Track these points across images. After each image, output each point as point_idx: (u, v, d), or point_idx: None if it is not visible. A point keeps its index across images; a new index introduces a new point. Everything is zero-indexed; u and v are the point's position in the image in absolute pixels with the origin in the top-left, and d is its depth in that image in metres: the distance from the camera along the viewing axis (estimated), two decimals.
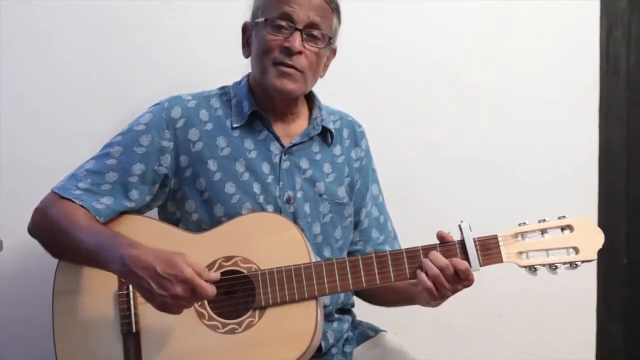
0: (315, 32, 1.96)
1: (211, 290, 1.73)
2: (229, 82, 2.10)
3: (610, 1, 2.77)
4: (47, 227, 1.90)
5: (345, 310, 2.12)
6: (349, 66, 2.38)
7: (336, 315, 2.05)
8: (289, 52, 1.93)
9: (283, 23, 1.93)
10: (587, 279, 2.80)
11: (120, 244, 1.78)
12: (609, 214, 2.78)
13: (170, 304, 1.72)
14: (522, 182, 2.68)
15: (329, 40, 1.99)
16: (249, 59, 2.04)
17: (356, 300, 2.17)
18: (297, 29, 1.93)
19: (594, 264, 2.79)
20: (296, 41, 1.93)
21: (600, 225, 2.68)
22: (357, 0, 2.52)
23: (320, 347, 1.95)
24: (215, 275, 1.76)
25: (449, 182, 2.64)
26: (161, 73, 2.42)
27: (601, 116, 2.78)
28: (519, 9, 2.68)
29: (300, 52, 1.93)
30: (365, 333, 2.12)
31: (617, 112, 2.80)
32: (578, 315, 2.79)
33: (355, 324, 2.14)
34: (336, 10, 2.00)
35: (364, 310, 2.20)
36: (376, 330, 2.13)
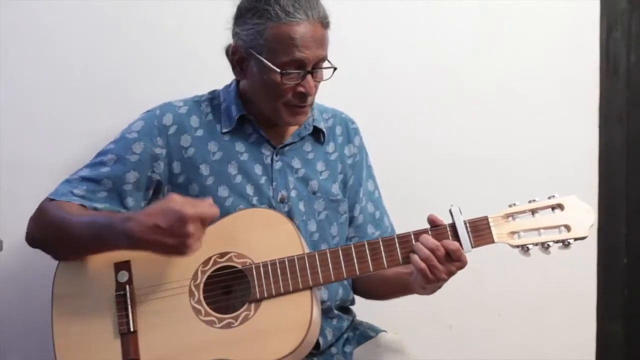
0: (322, 65, 1.95)
1: (215, 210, 1.77)
2: (228, 82, 2.10)
3: (610, 1, 2.77)
4: (44, 229, 1.92)
5: (345, 309, 2.12)
6: (348, 66, 2.38)
7: (336, 312, 2.06)
8: (304, 96, 1.93)
9: (294, 71, 1.90)
10: (587, 279, 2.80)
11: (116, 221, 1.80)
12: (609, 214, 2.78)
13: (190, 243, 1.74)
14: (522, 182, 2.67)
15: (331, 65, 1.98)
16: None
17: (356, 300, 2.16)
18: (307, 72, 1.91)
19: (594, 264, 2.80)
20: (310, 86, 1.92)
21: (600, 225, 2.71)
22: (357, 0, 2.53)
23: (318, 344, 1.95)
24: (209, 200, 1.79)
25: (448, 182, 2.65)
26: (161, 73, 2.42)
27: (601, 116, 2.78)
28: (519, 9, 2.68)
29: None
30: (365, 333, 2.11)
31: (617, 112, 2.80)
32: (578, 315, 2.79)
33: (355, 325, 2.14)
34: (329, 24, 1.96)
35: (364, 311, 2.20)
36: (376, 331, 2.13)
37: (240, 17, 1.95)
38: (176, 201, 1.75)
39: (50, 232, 1.90)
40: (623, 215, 2.83)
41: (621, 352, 2.85)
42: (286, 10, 1.86)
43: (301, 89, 1.92)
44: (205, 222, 1.76)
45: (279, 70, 1.89)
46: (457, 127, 2.66)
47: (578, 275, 2.76)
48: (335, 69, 1.96)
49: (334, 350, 2.05)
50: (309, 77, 1.91)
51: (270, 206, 1.99)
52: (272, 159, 2.02)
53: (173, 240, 1.74)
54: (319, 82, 1.97)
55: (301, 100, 1.93)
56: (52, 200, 1.93)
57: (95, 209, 1.92)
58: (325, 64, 1.95)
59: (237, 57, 1.97)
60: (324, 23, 1.92)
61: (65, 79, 2.37)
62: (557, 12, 2.71)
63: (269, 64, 1.90)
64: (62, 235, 1.87)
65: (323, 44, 1.93)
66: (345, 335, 2.09)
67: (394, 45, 2.60)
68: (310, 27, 1.88)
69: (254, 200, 1.99)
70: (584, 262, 2.76)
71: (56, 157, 2.33)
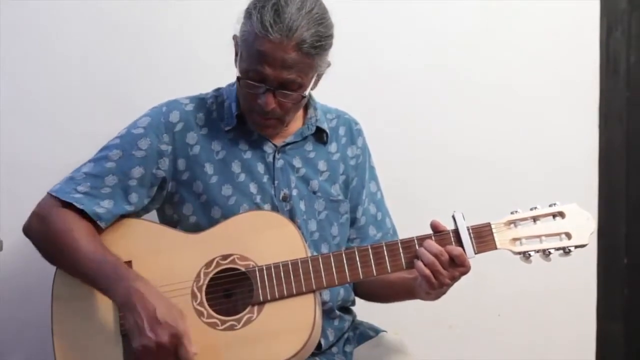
0: (289, 89, 1.90)
1: (192, 358, 1.75)
2: (229, 81, 2.10)
3: (610, 1, 2.77)
4: (46, 238, 1.91)
5: (346, 309, 2.12)
6: (348, 66, 2.38)
7: (337, 313, 2.06)
8: (263, 110, 1.91)
9: (254, 82, 1.88)
10: (587, 279, 2.80)
11: (125, 277, 1.80)
12: (609, 214, 2.79)
13: (151, 350, 1.73)
14: (522, 182, 2.68)
15: (309, 88, 1.94)
16: None
17: (357, 300, 2.17)
18: (268, 89, 1.89)
19: (594, 264, 2.80)
20: (267, 103, 1.89)
21: (600, 225, 2.71)
22: (357, 0, 2.53)
23: (319, 344, 1.95)
24: (195, 349, 1.76)
25: (448, 182, 2.65)
26: (161, 73, 2.42)
27: (601, 116, 2.78)
28: (519, 9, 2.68)
29: (273, 108, 1.91)
30: (365, 333, 2.12)
31: (617, 112, 2.80)
32: (578, 315, 2.80)
33: (355, 324, 2.14)
34: (320, 53, 1.90)
35: (364, 311, 2.20)
36: (376, 331, 2.13)
37: (243, 13, 1.95)
38: (183, 317, 1.76)
39: (51, 244, 1.89)
40: (623, 215, 2.83)
41: (621, 352, 2.86)
42: (264, 24, 1.83)
43: (259, 101, 1.90)
44: (178, 356, 1.75)
45: (238, 74, 1.90)
46: (457, 127, 2.66)
47: (578, 275, 2.76)
48: (303, 97, 1.93)
49: (334, 350, 2.05)
50: (268, 94, 1.89)
51: (273, 205, 1.99)
52: (273, 157, 2.02)
53: (148, 332, 1.72)
54: (291, 102, 1.92)
55: (261, 112, 1.93)
56: (56, 198, 1.91)
57: (98, 212, 1.90)
58: (295, 91, 1.90)
59: (235, 47, 1.98)
60: (303, 48, 1.85)
61: (65, 79, 2.36)
62: (557, 12, 2.71)
63: (237, 65, 1.91)
64: (64, 254, 1.86)
65: (292, 68, 1.87)
66: (345, 335, 2.09)
67: (394, 46, 2.60)
68: (280, 47, 1.84)
69: (257, 198, 1.99)
70: (584, 262, 2.76)
71: (56, 157, 2.32)
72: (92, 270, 1.82)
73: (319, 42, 1.87)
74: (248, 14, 1.89)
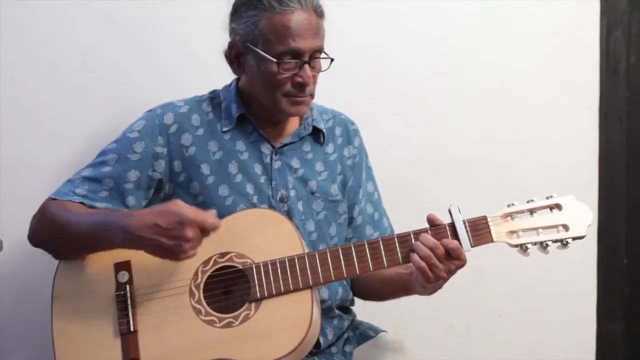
0: (319, 56, 1.95)
1: (216, 221, 1.77)
2: (228, 82, 2.10)
3: (610, 1, 2.77)
4: (44, 227, 1.92)
5: (345, 308, 2.12)
6: (348, 66, 2.38)
7: (336, 312, 2.06)
8: (302, 86, 1.92)
9: (291, 60, 1.91)
10: (587, 279, 2.80)
11: (117, 217, 1.82)
12: (609, 214, 2.78)
13: (186, 248, 1.75)
14: (522, 182, 2.68)
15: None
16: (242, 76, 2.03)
17: (356, 300, 2.17)
18: (305, 62, 1.91)
19: (594, 264, 2.80)
20: (308, 75, 1.92)
21: (600, 225, 2.71)
22: (357, 0, 2.53)
23: (318, 343, 1.95)
24: (213, 212, 1.79)
25: (448, 183, 2.65)
26: (161, 74, 2.42)
27: (601, 116, 2.78)
28: (519, 9, 2.68)
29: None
30: (365, 333, 2.12)
31: (617, 112, 2.80)
32: (578, 315, 2.80)
33: (355, 325, 2.15)
34: (324, 14, 1.97)
35: (364, 311, 2.20)
36: (376, 331, 2.14)
37: (236, 12, 1.97)
38: (179, 205, 1.76)
39: (50, 230, 1.90)
40: (623, 215, 2.83)
41: (621, 352, 2.85)
42: (281, 0, 1.88)
43: (299, 79, 1.92)
44: (205, 231, 1.76)
45: (275, 59, 1.90)
46: (457, 127, 2.66)
47: (578, 275, 2.76)
48: (332, 59, 1.97)
49: (334, 349, 2.05)
50: (306, 67, 1.91)
51: (270, 205, 2.00)
52: (271, 158, 2.03)
53: (170, 241, 1.74)
54: (318, 72, 1.97)
55: (300, 90, 1.93)
56: (54, 199, 1.93)
57: (95, 208, 1.92)
58: (323, 55, 1.96)
59: (234, 52, 1.98)
60: (318, 12, 1.93)
61: (65, 79, 2.36)
62: (557, 12, 2.71)
63: (265, 54, 1.91)
64: (62, 233, 1.87)
65: (318, 34, 1.93)
66: (345, 335, 2.10)
67: (393, 46, 2.60)
68: (304, 16, 1.89)
69: (254, 199, 1.99)
70: (584, 262, 2.77)
71: (56, 157, 2.33)
72: (90, 228, 1.83)
73: (321, 5, 1.94)
74: (251, 4, 1.91)
